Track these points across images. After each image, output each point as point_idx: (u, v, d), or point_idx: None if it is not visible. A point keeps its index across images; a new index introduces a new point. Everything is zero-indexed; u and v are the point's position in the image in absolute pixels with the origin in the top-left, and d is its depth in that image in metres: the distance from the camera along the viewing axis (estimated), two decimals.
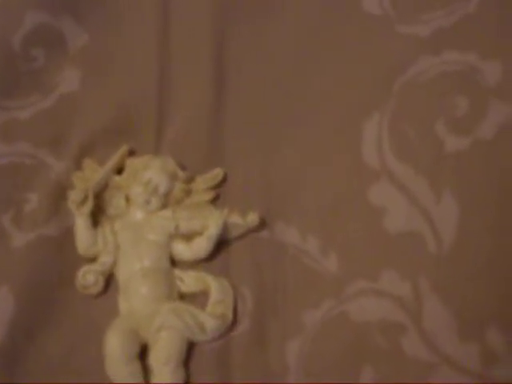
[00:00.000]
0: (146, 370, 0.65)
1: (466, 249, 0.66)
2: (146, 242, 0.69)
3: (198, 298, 0.68)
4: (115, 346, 0.64)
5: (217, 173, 0.71)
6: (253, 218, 0.69)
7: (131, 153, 0.72)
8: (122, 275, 0.68)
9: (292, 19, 0.77)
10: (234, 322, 0.67)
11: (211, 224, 0.68)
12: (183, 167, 0.71)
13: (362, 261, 0.67)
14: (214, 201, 0.71)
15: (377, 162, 0.70)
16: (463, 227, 0.66)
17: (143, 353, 0.66)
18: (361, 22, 0.75)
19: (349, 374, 0.64)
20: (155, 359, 0.65)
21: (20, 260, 0.68)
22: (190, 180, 0.71)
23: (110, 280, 0.68)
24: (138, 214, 0.70)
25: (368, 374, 0.64)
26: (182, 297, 0.68)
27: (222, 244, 0.69)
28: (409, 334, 0.64)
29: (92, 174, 0.71)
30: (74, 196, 0.68)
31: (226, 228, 0.69)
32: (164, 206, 0.70)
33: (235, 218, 0.69)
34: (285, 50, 0.76)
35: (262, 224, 0.69)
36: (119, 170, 0.71)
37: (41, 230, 0.69)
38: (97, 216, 0.70)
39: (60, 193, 0.70)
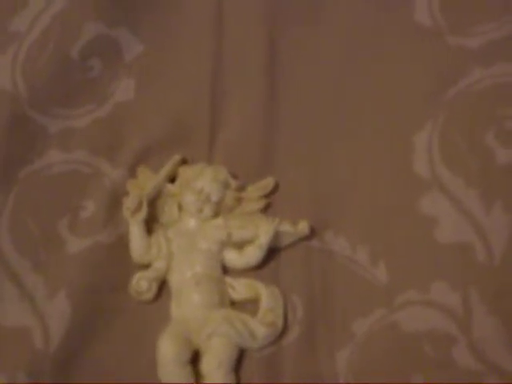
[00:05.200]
0: (197, 376, 0.66)
1: None
2: (198, 250, 0.70)
3: (248, 306, 0.69)
4: (168, 351, 0.65)
5: (268, 182, 0.72)
6: (303, 227, 0.69)
7: (184, 161, 0.73)
8: (174, 282, 0.69)
9: (342, 27, 0.77)
10: (284, 329, 0.67)
11: (262, 232, 0.69)
12: (235, 176, 0.72)
13: (412, 271, 0.67)
14: (265, 209, 0.72)
15: (428, 172, 0.70)
16: None
17: (194, 359, 0.66)
18: (411, 32, 0.75)
19: (399, 383, 0.64)
20: (206, 365, 0.65)
21: (76, 266, 0.69)
22: (241, 189, 0.72)
23: (162, 286, 0.69)
24: (190, 222, 0.71)
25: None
26: (233, 304, 0.69)
27: (272, 252, 0.70)
28: (459, 344, 0.65)
29: (146, 181, 0.72)
30: (128, 203, 0.69)
31: (276, 236, 0.69)
32: (216, 214, 0.71)
33: (286, 227, 0.69)
34: (335, 60, 0.76)
35: (312, 233, 0.70)
36: (172, 179, 0.72)
37: (96, 237, 0.70)
38: (150, 223, 0.71)
39: (115, 200, 0.71)
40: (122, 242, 0.70)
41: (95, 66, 0.76)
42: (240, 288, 0.69)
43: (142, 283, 0.68)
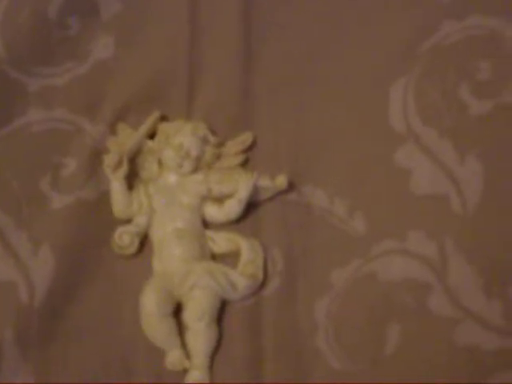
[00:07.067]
0: (180, 328, 0.67)
1: (490, 209, 0.67)
2: (179, 205, 0.71)
3: (228, 259, 0.70)
4: (151, 304, 0.67)
5: (246, 137, 0.73)
6: (281, 181, 0.71)
7: (163, 118, 0.74)
8: (156, 236, 0.70)
9: None
10: (265, 281, 0.69)
11: (241, 187, 0.70)
12: (213, 132, 0.73)
13: (389, 221, 0.69)
14: (244, 164, 0.73)
15: (403, 125, 0.71)
16: (487, 188, 0.68)
17: (177, 311, 0.68)
18: None
19: (376, 331, 0.66)
20: (189, 316, 0.67)
21: (59, 221, 0.70)
22: (220, 144, 0.73)
23: (144, 241, 0.70)
24: (170, 178, 0.72)
25: (394, 331, 0.66)
26: (214, 257, 0.70)
27: (251, 206, 0.71)
28: (434, 292, 0.66)
29: (126, 138, 0.72)
30: (108, 160, 0.70)
31: (255, 190, 0.70)
32: (196, 169, 0.72)
33: (264, 181, 0.71)
34: (310, 13, 0.77)
35: (291, 186, 0.71)
36: (152, 135, 0.73)
37: (78, 193, 0.71)
38: (131, 180, 0.71)
39: (96, 157, 0.72)
40: (104, 198, 0.71)
41: (73, 24, 0.76)
42: (220, 241, 0.70)
43: (124, 237, 0.69)
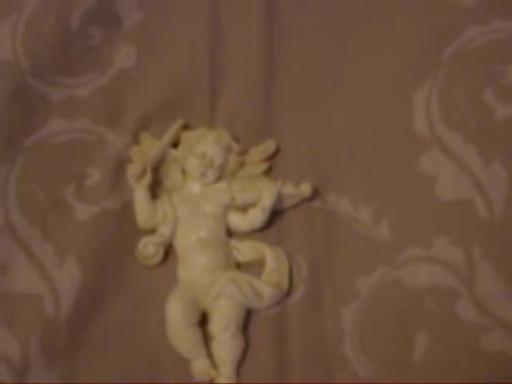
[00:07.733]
0: (206, 338, 0.67)
1: None
2: (202, 214, 0.71)
3: (253, 267, 0.70)
4: (177, 314, 0.67)
5: (269, 145, 0.73)
6: (305, 188, 0.70)
7: (186, 126, 0.73)
8: (180, 246, 0.70)
9: None
10: (290, 289, 0.69)
11: (265, 195, 0.70)
12: (236, 140, 0.73)
13: (415, 228, 0.69)
14: (268, 172, 0.73)
15: (427, 130, 0.71)
16: None
17: (203, 321, 0.68)
18: None
19: (402, 338, 0.66)
20: (215, 326, 0.67)
21: (84, 232, 0.70)
22: (243, 152, 0.72)
23: (169, 251, 0.70)
24: (194, 187, 0.72)
25: (421, 338, 0.66)
26: (239, 266, 0.70)
27: (275, 214, 0.71)
28: (462, 298, 0.66)
29: (149, 147, 0.72)
30: (132, 170, 0.70)
31: (279, 198, 0.70)
32: (219, 178, 0.71)
33: (288, 189, 0.70)
34: (333, 18, 0.76)
35: (315, 194, 0.71)
36: (175, 144, 0.73)
37: (102, 204, 0.71)
38: (155, 189, 0.71)
39: (120, 167, 0.72)
40: (128, 208, 0.71)
41: (95, 34, 0.76)
42: (245, 250, 0.70)
43: (148, 248, 0.69)
